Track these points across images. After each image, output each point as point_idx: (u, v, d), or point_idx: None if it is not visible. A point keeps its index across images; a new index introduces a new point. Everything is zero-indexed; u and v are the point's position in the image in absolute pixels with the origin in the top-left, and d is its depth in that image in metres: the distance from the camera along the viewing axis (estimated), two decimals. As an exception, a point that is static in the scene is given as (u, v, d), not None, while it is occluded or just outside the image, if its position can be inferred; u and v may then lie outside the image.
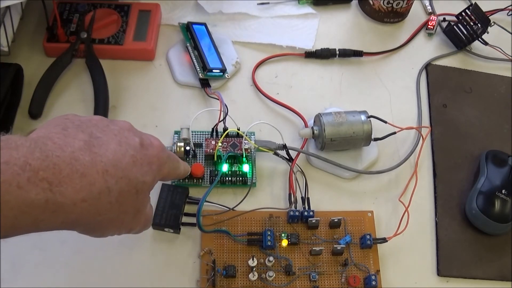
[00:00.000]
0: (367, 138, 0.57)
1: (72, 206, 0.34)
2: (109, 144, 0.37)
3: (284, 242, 0.52)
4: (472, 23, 0.68)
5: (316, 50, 0.67)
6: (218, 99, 0.59)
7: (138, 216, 0.41)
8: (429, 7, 0.75)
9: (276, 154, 0.56)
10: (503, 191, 0.55)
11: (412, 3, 0.71)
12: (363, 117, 0.57)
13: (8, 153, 0.32)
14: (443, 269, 0.53)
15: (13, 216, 0.32)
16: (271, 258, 0.50)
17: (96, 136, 0.37)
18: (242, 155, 0.55)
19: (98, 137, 0.37)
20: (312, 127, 0.57)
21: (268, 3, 0.71)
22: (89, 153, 0.35)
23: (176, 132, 0.59)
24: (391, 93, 0.66)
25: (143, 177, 0.39)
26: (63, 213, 0.34)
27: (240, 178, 0.56)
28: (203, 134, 0.58)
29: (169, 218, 0.51)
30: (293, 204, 0.54)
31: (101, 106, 0.59)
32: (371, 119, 0.57)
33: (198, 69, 0.62)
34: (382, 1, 0.69)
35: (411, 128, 0.61)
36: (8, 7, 0.59)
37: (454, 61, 0.70)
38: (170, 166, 0.44)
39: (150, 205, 0.45)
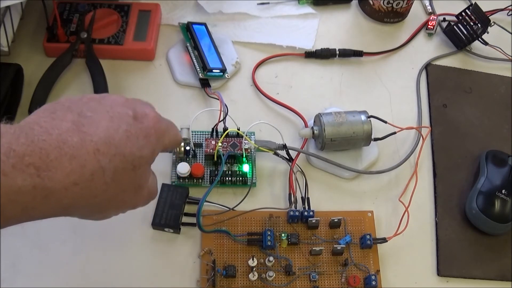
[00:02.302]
0: (367, 138, 0.57)
1: (63, 191, 0.33)
2: (100, 121, 0.36)
3: (284, 244, 0.52)
4: (472, 23, 0.68)
5: (316, 50, 0.67)
6: (218, 99, 0.59)
7: (139, 192, 0.40)
8: (429, 7, 0.75)
9: (276, 154, 0.56)
10: (503, 191, 0.55)
11: (412, 3, 0.71)
12: (363, 117, 0.57)
13: None
14: (443, 269, 0.53)
15: (1, 204, 0.31)
16: (271, 258, 0.50)
17: (85, 115, 0.36)
18: (242, 155, 0.55)
19: (88, 116, 0.36)
20: (312, 127, 0.57)
21: (268, 3, 0.71)
22: (77, 133, 0.34)
23: (176, 132, 0.59)
24: (391, 93, 0.66)
25: (139, 152, 0.37)
26: (55, 199, 0.33)
27: (240, 178, 0.56)
28: (203, 134, 0.58)
29: (169, 218, 0.51)
30: (293, 204, 0.54)
31: (101, 106, 0.59)
32: (371, 119, 0.57)
33: (198, 69, 0.62)
34: (382, 1, 0.69)
35: (411, 128, 0.61)
36: (8, 7, 0.59)
37: (454, 61, 0.70)
38: (171, 135, 0.42)
39: (153, 175, 0.43)
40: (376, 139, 0.58)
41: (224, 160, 0.54)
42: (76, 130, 0.34)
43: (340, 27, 0.72)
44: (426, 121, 0.64)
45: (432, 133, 0.62)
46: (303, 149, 0.59)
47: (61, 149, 0.33)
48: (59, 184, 0.33)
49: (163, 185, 0.53)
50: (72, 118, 0.35)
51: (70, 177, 0.33)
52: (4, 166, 0.31)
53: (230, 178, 0.56)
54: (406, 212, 0.53)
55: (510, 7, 0.74)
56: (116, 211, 0.40)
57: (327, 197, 0.57)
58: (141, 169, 0.38)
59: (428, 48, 0.71)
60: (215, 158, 0.55)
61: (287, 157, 0.57)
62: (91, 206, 0.36)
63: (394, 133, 0.57)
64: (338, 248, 0.51)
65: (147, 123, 0.38)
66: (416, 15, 0.74)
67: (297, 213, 0.53)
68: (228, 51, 0.66)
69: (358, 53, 0.68)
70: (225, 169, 0.56)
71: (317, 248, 0.51)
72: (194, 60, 0.63)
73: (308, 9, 0.72)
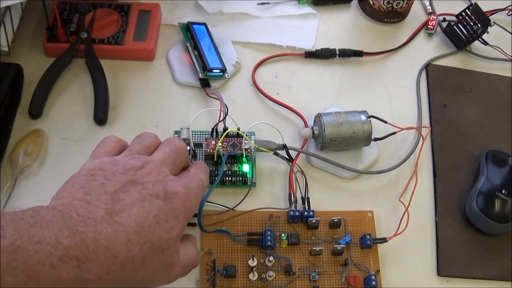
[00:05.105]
0: (367, 138, 0.57)
1: (97, 280, 0.34)
2: (132, 207, 0.37)
3: (284, 244, 0.52)
4: (472, 23, 0.68)
5: (316, 50, 0.67)
6: (218, 99, 0.59)
7: (171, 270, 0.40)
8: (429, 7, 0.75)
9: (276, 154, 0.56)
10: (503, 191, 0.55)
11: (412, 3, 0.71)
12: (363, 117, 0.57)
13: (40, 231, 0.32)
14: (443, 269, 0.53)
15: None
16: (271, 258, 0.50)
17: (118, 198, 0.37)
18: (242, 155, 0.55)
19: (121, 200, 0.37)
20: (312, 127, 0.57)
21: (268, 3, 0.71)
22: (111, 224, 0.35)
23: (176, 132, 0.59)
24: (391, 93, 0.66)
25: (168, 234, 0.38)
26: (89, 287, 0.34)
27: (240, 178, 0.56)
28: (203, 134, 0.58)
29: (169, 218, 0.51)
30: (293, 204, 0.54)
31: (101, 106, 0.59)
32: (371, 119, 0.57)
33: (198, 69, 0.62)
34: (382, 1, 0.69)
35: (411, 128, 0.61)
36: (8, 7, 0.59)
37: (454, 61, 0.70)
38: (199, 201, 0.43)
39: (189, 245, 0.43)
40: (376, 139, 0.58)
41: (224, 160, 0.54)
42: (110, 221, 0.35)
43: (340, 27, 0.72)
44: (426, 121, 0.64)
45: (432, 133, 0.62)
46: (303, 149, 0.59)
47: (97, 240, 0.34)
48: (94, 274, 0.34)
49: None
50: (106, 203, 0.36)
51: (104, 268, 0.34)
52: (52, 258, 0.32)
53: (230, 178, 0.56)
54: (406, 212, 0.53)
55: (510, 7, 0.74)
56: None
57: (327, 197, 0.57)
58: (169, 250, 0.39)
59: (428, 48, 0.71)
60: (215, 158, 0.55)
61: (287, 157, 0.57)
62: None
63: (394, 133, 0.57)
64: (338, 248, 0.51)
65: (177, 203, 0.39)
66: (416, 15, 0.74)
67: (297, 213, 0.53)
68: (228, 51, 0.66)
69: (358, 53, 0.68)
70: (225, 169, 0.56)
71: (317, 248, 0.51)
72: (194, 60, 0.63)
73: (308, 9, 0.72)
